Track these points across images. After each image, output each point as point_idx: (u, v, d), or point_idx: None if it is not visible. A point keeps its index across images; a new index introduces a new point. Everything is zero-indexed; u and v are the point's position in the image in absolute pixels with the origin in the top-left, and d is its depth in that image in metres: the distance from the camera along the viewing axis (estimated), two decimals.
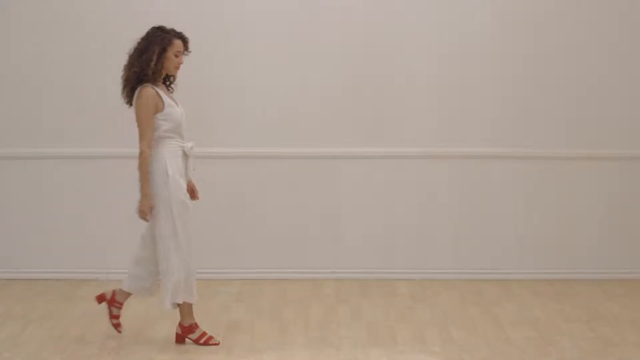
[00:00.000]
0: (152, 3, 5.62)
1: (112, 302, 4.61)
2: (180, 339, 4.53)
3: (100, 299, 4.65)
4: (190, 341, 4.51)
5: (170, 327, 4.77)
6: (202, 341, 4.51)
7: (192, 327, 4.52)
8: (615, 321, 4.93)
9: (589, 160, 5.79)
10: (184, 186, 4.40)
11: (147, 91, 4.31)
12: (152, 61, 4.30)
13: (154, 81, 4.34)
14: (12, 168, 5.71)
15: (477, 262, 5.82)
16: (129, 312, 5.05)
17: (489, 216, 5.80)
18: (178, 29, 5.55)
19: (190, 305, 4.51)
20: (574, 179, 5.79)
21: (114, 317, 4.61)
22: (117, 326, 4.61)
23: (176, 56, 4.37)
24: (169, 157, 4.34)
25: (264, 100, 5.68)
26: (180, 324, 4.53)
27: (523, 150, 5.76)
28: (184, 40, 4.40)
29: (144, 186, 4.32)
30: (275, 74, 5.62)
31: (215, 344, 4.50)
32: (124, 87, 4.39)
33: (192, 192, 4.55)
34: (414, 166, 5.75)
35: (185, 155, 4.43)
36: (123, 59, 5.58)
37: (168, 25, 5.54)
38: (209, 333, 4.61)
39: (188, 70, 5.61)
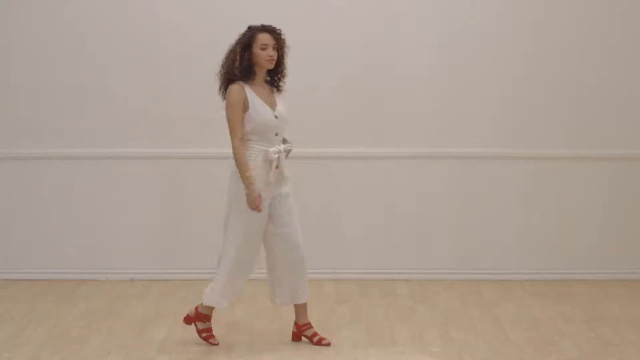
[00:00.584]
0: (152, 3, 5.61)
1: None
2: (187, 320, 4.56)
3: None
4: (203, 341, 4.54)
5: (170, 327, 4.78)
6: (203, 335, 4.51)
7: (204, 318, 4.52)
8: (615, 321, 4.93)
9: (589, 160, 5.79)
10: (261, 191, 4.30)
11: (233, 88, 4.29)
12: (236, 60, 4.30)
13: (247, 79, 4.32)
14: (12, 168, 5.71)
15: (477, 262, 5.83)
16: (128, 312, 5.06)
17: (489, 216, 5.80)
18: (178, 29, 5.62)
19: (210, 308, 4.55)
20: (574, 179, 5.79)
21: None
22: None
23: (263, 49, 4.29)
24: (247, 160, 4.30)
25: None
26: (196, 308, 4.54)
27: (523, 150, 5.76)
28: (270, 32, 4.32)
29: (244, 179, 4.25)
30: None
31: (214, 344, 4.49)
32: (219, 87, 4.40)
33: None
34: (414, 166, 5.75)
35: (268, 160, 4.32)
36: (123, 59, 5.65)
37: (167, 23, 5.61)
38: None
39: (187, 70, 5.66)
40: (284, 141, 4.44)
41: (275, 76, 4.42)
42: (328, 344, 4.48)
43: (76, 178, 5.72)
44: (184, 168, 5.72)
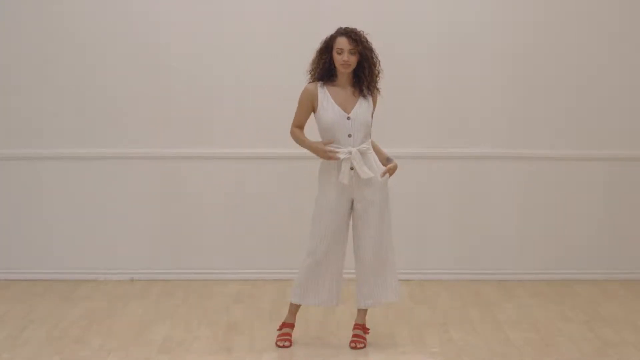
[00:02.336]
0: (152, 3, 5.61)
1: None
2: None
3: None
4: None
5: (170, 327, 4.78)
6: (277, 337, 4.57)
7: (282, 325, 4.61)
8: (614, 321, 4.94)
9: (588, 161, 5.79)
10: (329, 191, 4.40)
11: (306, 87, 4.46)
12: (313, 62, 4.43)
13: (328, 81, 4.42)
14: (12, 168, 5.71)
15: (477, 262, 5.83)
16: (128, 312, 5.06)
17: (489, 216, 5.80)
18: (178, 29, 5.62)
19: (293, 305, 4.60)
20: (574, 179, 5.80)
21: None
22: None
23: (338, 53, 4.34)
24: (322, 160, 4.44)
25: (264, 101, 5.67)
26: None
27: (523, 150, 5.76)
28: (347, 35, 4.35)
29: (305, 147, 4.45)
30: (276, 74, 5.61)
31: (279, 346, 4.50)
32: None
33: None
34: (414, 166, 5.75)
35: (340, 159, 4.37)
36: (123, 59, 5.65)
37: (167, 23, 5.61)
38: (209, 333, 4.62)
39: (187, 70, 5.66)
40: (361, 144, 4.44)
41: (360, 79, 4.43)
42: (355, 347, 4.51)
43: (76, 178, 5.72)
44: (184, 168, 5.72)
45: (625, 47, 5.71)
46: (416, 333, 4.72)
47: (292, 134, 4.52)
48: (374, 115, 4.54)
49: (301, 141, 4.48)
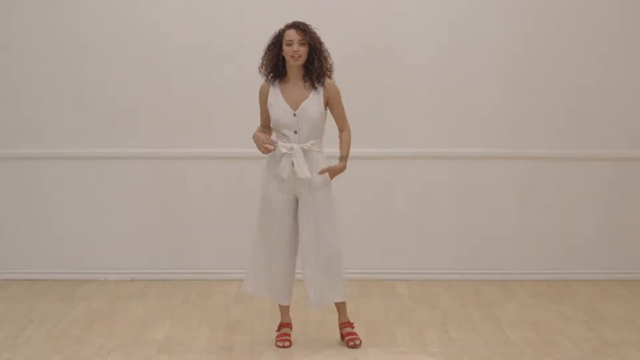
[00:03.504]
0: (152, 3, 5.61)
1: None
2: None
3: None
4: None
5: (170, 327, 4.78)
6: (276, 338, 4.57)
7: (279, 325, 4.63)
8: (614, 321, 4.94)
9: (588, 161, 5.79)
10: (271, 185, 4.42)
11: (260, 87, 4.48)
12: (263, 58, 4.42)
13: (278, 77, 4.41)
14: (12, 168, 5.72)
15: (477, 263, 5.83)
16: (128, 312, 5.06)
17: (488, 216, 5.80)
18: (178, 29, 5.62)
19: (282, 306, 4.60)
20: (574, 179, 5.80)
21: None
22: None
23: (288, 45, 4.34)
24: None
25: None
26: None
27: (523, 150, 5.76)
28: (295, 27, 4.36)
29: (253, 138, 4.42)
30: None
31: (279, 346, 4.49)
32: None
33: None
34: (414, 166, 5.75)
35: (278, 155, 4.38)
36: (123, 59, 5.65)
37: (167, 23, 5.61)
38: (209, 333, 4.62)
39: (187, 70, 5.66)
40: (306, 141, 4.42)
41: (310, 72, 4.41)
42: (353, 346, 4.51)
43: (76, 178, 5.72)
44: (184, 168, 5.72)
45: (625, 47, 5.71)
46: (416, 333, 4.72)
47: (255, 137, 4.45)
48: (344, 111, 4.50)
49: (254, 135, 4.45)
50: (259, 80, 5.66)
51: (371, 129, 5.69)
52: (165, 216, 5.75)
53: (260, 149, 4.34)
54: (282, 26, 4.42)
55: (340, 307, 4.60)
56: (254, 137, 4.39)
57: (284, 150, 4.35)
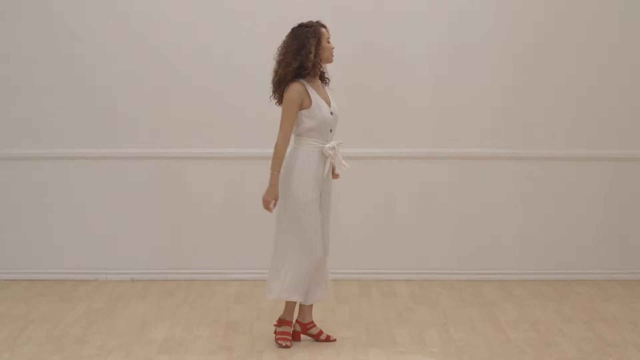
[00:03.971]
0: (152, 3, 5.61)
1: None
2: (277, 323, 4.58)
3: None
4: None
5: (170, 327, 4.78)
6: (276, 335, 4.52)
7: (281, 322, 4.53)
8: (614, 321, 4.93)
9: (588, 161, 5.79)
10: (314, 188, 4.37)
11: (296, 86, 4.31)
12: (311, 53, 4.31)
13: (313, 75, 4.35)
14: (12, 168, 5.71)
15: (476, 263, 5.83)
16: (128, 312, 5.06)
17: (488, 216, 5.80)
18: (178, 29, 5.62)
19: (293, 303, 4.52)
20: (574, 179, 5.80)
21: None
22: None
23: (329, 42, 4.38)
24: (302, 157, 4.34)
25: (264, 101, 5.66)
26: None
27: (523, 150, 5.76)
28: (324, 26, 4.41)
29: (272, 176, 4.33)
30: None
31: (280, 345, 4.47)
32: (278, 87, 4.38)
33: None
34: (414, 166, 5.75)
35: (324, 156, 4.37)
36: (123, 59, 5.64)
37: (167, 23, 5.61)
38: (209, 333, 4.62)
39: (187, 71, 5.66)
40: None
41: (323, 74, 4.48)
42: (334, 340, 4.53)
43: (76, 178, 5.72)
44: (184, 168, 5.72)
45: (625, 47, 5.71)
46: (416, 333, 4.72)
47: (282, 150, 4.33)
48: None
49: (275, 164, 4.32)
50: (259, 80, 5.67)
51: (371, 129, 5.69)
52: (165, 216, 5.75)
53: (264, 205, 4.37)
54: (290, 26, 4.40)
55: (310, 307, 4.59)
56: (273, 183, 4.32)
57: (331, 152, 4.37)
